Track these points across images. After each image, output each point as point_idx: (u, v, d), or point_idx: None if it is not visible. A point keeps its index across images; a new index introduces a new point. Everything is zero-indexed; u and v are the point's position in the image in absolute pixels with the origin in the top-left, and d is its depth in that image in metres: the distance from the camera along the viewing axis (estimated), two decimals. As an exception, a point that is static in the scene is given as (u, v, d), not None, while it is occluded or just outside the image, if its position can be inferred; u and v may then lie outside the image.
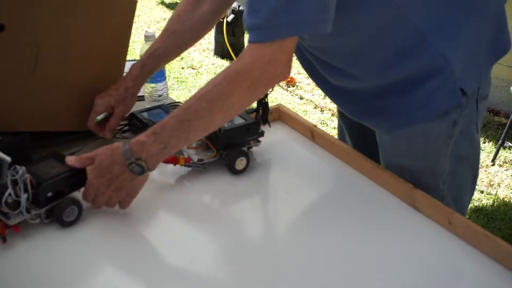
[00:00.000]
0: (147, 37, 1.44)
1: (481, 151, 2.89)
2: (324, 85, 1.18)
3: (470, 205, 2.49)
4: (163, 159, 0.99)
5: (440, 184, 1.15)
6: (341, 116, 1.39)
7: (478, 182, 2.64)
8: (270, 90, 1.01)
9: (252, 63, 0.92)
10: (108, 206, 0.99)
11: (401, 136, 1.13)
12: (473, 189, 1.24)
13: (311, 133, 1.26)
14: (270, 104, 1.21)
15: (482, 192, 2.58)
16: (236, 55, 4.13)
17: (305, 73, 1.20)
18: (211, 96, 0.93)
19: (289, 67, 0.95)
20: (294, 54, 1.02)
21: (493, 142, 2.98)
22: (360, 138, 1.33)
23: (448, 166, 1.14)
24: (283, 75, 0.95)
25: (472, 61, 1.07)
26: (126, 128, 1.32)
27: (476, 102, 1.11)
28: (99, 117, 1.21)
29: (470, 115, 1.11)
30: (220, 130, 1.10)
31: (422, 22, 1.00)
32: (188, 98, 0.97)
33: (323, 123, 3.18)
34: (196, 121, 0.94)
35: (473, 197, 2.53)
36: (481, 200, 2.52)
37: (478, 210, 2.47)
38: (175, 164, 1.10)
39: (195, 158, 1.11)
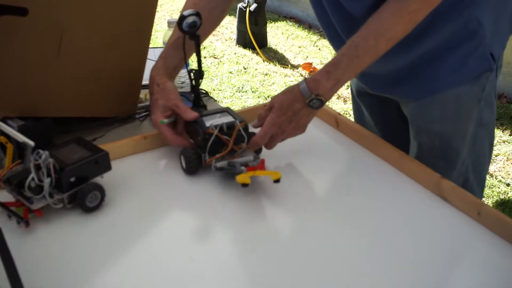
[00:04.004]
0: (170, 23, 1.43)
1: (508, 143, 2.82)
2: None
3: (496, 198, 2.44)
4: (335, 92, 1.05)
5: (462, 148, 1.15)
6: (359, 95, 1.37)
7: (504, 175, 2.58)
8: None
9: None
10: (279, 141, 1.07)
11: (433, 102, 1.14)
12: (489, 159, 1.25)
13: (336, 121, 1.24)
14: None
15: (508, 185, 2.53)
16: (258, 45, 4.10)
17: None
18: (377, 34, 0.99)
19: None
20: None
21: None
22: (381, 114, 1.33)
23: (471, 131, 1.14)
24: None
25: (500, 25, 1.08)
26: (147, 115, 1.31)
27: (496, 69, 1.12)
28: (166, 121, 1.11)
29: (494, 81, 1.13)
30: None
31: None
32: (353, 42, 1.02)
33: (346, 113, 3.14)
34: (365, 57, 1.02)
35: (499, 190, 2.48)
36: (507, 193, 2.47)
37: (504, 203, 2.42)
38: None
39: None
